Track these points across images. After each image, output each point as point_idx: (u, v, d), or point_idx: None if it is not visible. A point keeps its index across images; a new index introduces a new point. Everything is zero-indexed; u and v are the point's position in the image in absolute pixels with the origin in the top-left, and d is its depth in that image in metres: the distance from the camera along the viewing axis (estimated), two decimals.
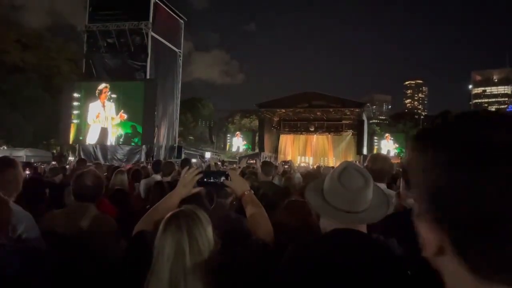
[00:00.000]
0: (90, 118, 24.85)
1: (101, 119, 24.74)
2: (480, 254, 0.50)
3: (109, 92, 24.27)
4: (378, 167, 3.02)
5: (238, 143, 36.91)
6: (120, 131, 24.34)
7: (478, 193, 0.48)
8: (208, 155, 30.15)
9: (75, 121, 24.58)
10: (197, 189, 1.95)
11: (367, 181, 1.53)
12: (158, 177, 5.60)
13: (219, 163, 13.31)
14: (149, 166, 7.85)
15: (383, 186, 2.80)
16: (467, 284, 0.51)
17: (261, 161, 7.77)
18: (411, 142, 0.57)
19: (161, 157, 23.47)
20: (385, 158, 3.33)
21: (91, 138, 24.70)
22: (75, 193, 2.66)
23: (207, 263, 1.46)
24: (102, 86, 24.38)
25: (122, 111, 24.24)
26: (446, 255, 0.53)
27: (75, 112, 24.58)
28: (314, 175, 4.94)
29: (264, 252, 1.74)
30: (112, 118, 24.64)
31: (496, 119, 0.52)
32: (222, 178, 1.95)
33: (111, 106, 24.42)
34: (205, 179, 1.95)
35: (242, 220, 1.98)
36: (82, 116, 24.71)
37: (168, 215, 1.57)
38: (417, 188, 0.56)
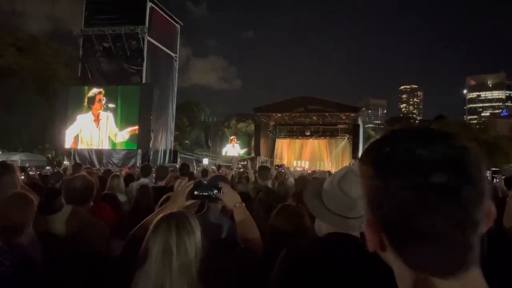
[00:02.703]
0: (73, 136, 23.86)
1: (94, 140, 23.79)
2: (404, 251, 0.61)
3: (105, 100, 23.67)
4: None
5: (233, 151, 36.88)
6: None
7: (385, 203, 0.60)
8: (206, 161, 30.10)
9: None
10: (191, 202, 1.97)
11: None
12: (146, 180, 5.61)
13: (214, 167, 13.32)
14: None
15: None
16: (406, 273, 0.62)
17: (258, 165, 7.79)
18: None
19: (157, 162, 23.41)
20: None
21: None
22: (65, 196, 2.68)
23: (193, 266, 1.49)
24: (95, 92, 23.77)
25: (131, 127, 23.09)
26: (388, 251, 0.64)
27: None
28: (306, 179, 4.95)
29: (252, 261, 1.76)
30: (114, 134, 23.49)
31: (399, 136, 0.63)
32: (215, 191, 1.98)
33: (108, 117, 23.61)
34: (195, 192, 1.97)
35: (233, 227, 2.01)
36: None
37: (159, 216, 1.61)
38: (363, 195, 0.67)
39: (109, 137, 23.50)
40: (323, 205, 1.57)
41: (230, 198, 2.00)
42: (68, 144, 24.04)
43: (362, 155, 0.66)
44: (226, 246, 1.86)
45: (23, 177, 6.21)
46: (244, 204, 2.01)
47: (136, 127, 22.92)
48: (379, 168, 0.61)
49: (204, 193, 1.99)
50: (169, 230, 1.52)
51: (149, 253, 1.50)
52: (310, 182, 3.76)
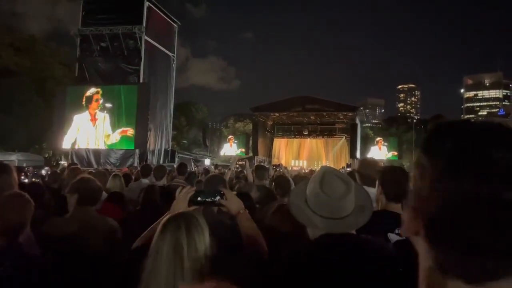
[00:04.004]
0: (71, 137, 23.66)
1: (91, 140, 23.64)
2: (439, 251, 0.58)
3: (102, 100, 23.50)
4: (368, 172, 3.05)
5: (230, 151, 36.75)
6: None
7: (442, 203, 0.55)
8: (207, 161, 30.02)
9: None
10: (193, 208, 1.96)
11: (349, 186, 1.54)
12: (146, 181, 5.63)
13: (212, 167, 13.34)
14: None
15: (373, 190, 2.78)
16: (428, 260, 0.60)
17: (255, 165, 7.81)
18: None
19: (155, 161, 23.39)
20: (375, 162, 3.36)
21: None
22: (80, 198, 2.69)
23: (204, 265, 1.48)
24: (92, 91, 23.63)
25: (122, 128, 22.95)
26: (420, 237, 0.61)
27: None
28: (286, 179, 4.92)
29: (259, 266, 1.77)
30: (107, 136, 23.45)
31: (478, 132, 0.57)
32: (217, 197, 1.97)
33: (104, 118, 23.45)
34: (198, 198, 1.96)
35: (236, 227, 2.01)
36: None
37: (167, 217, 1.60)
38: (414, 182, 0.64)
39: (103, 138, 23.52)
40: (309, 209, 1.57)
41: (233, 204, 1.98)
42: (65, 144, 23.99)
43: (428, 144, 0.60)
44: (232, 247, 1.86)
45: (23, 178, 6.21)
46: (247, 211, 2.00)
47: (128, 128, 22.88)
48: (445, 166, 0.56)
49: (206, 199, 1.97)
50: (179, 229, 1.51)
51: (158, 253, 1.48)
52: (294, 186, 3.76)
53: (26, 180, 6.42)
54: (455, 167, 0.55)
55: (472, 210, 0.52)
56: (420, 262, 0.64)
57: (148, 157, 23.78)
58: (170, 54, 28.32)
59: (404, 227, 0.65)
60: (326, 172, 1.59)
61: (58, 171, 7.45)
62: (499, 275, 0.54)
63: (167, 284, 1.43)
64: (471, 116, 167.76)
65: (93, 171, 7.21)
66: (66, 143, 23.98)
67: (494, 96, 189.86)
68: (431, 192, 0.57)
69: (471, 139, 0.56)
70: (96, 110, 23.64)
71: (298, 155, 35.26)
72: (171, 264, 1.45)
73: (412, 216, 0.62)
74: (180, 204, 1.92)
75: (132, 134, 22.79)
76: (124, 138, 23.09)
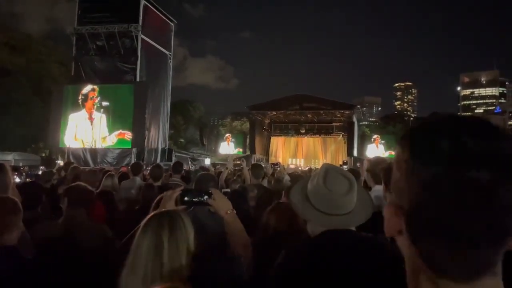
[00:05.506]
0: (68, 136, 23.44)
1: (88, 138, 23.42)
2: (422, 243, 0.58)
3: (98, 98, 23.26)
4: (378, 171, 3.03)
5: (228, 149, 36.66)
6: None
7: (417, 191, 0.56)
8: (207, 161, 29.93)
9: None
10: (181, 208, 1.95)
11: (352, 184, 1.54)
12: (137, 179, 5.63)
13: (210, 166, 13.32)
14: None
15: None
16: (415, 259, 0.60)
17: (251, 163, 7.79)
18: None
19: (152, 160, 23.32)
20: (384, 161, 3.35)
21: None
22: (70, 201, 2.66)
23: (183, 266, 1.46)
24: (88, 89, 23.42)
25: (120, 130, 22.73)
26: (403, 236, 0.61)
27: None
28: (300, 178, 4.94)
29: (244, 269, 1.77)
30: (103, 138, 23.16)
31: (445, 122, 0.58)
32: (205, 197, 1.98)
33: (101, 118, 23.21)
34: (186, 198, 1.97)
35: (223, 229, 2.01)
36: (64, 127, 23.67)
37: (150, 214, 1.60)
38: (393, 177, 0.64)
39: (100, 140, 23.37)
40: (311, 205, 1.56)
41: (221, 204, 2.00)
42: (62, 143, 23.87)
43: (402, 137, 0.62)
44: (217, 248, 1.86)
45: (16, 177, 6.18)
46: (235, 211, 2.01)
47: (126, 131, 22.66)
48: (418, 154, 0.56)
49: (194, 199, 1.98)
50: (161, 226, 1.50)
51: (139, 247, 1.47)
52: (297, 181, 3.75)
53: (17, 179, 6.37)
54: (424, 151, 0.56)
55: (446, 195, 0.52)
56: (407, 264, 0.63)
57: (145, 156, 23.67)
58: (167, 52, 28.20)
59: (386, 226, 0.64)
60: (329, 169, 1.58)
61: (54, 171, 7.41)
62: (482, 266, 0.55)
63: (144, 280, 1.42)
64: (467, 114, 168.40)
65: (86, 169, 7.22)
66: (63, 142, 23.84)
67: (491, 94, 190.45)
68: (407, 181, 0.58)
69: (442, 127, 0.57)
70: (93, 110, 23.47)
71: (295, 153, 35.29)
72: (150, 261, 1.44)
73: (393, 211, 0.61)
74: (167, 204, 1.93)
75: (130, 138, 22.64)
76: (121, 140, 22.96)
